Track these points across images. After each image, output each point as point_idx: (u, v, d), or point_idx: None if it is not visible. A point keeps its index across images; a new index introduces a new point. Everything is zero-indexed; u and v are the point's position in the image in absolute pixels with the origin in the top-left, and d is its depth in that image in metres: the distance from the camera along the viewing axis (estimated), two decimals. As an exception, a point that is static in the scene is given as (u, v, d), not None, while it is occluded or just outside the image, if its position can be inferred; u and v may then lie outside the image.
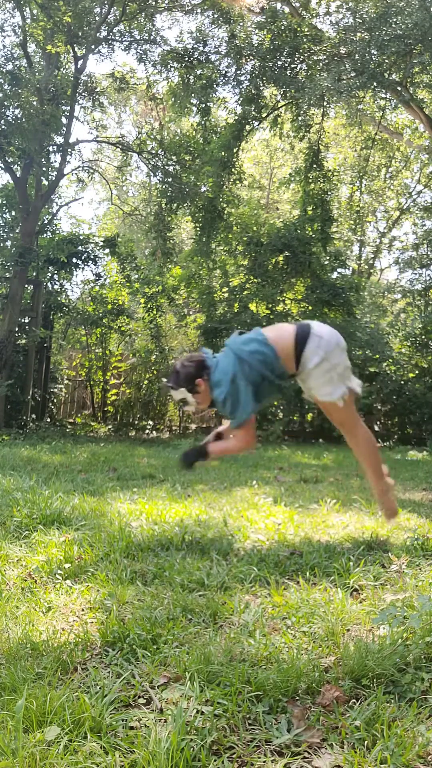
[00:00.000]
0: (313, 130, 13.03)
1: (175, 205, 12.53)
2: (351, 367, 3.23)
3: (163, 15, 12.93)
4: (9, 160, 10.87)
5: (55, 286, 12.84)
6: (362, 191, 18.99)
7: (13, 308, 10.61)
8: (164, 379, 3.30)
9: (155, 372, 12.87)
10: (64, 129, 11.37)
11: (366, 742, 1.43)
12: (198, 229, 12.72)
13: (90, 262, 12.61)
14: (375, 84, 10.04)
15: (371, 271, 21.16)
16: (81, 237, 12.57)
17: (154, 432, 12.57)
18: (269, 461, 7.69)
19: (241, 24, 12.21)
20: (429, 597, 2.03)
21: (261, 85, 12.13)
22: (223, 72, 12.39)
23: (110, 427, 12.54)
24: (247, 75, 12.15)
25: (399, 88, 11.50)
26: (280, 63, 11.71)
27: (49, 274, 12.42)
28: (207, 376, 3.16)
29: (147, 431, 12.39)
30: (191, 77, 12.48)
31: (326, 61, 11.24)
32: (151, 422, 12.96)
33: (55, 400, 13.01)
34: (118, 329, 12.99)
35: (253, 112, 12.48)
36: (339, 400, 3.10)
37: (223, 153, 12.24)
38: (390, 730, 1.44)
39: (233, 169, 12.58)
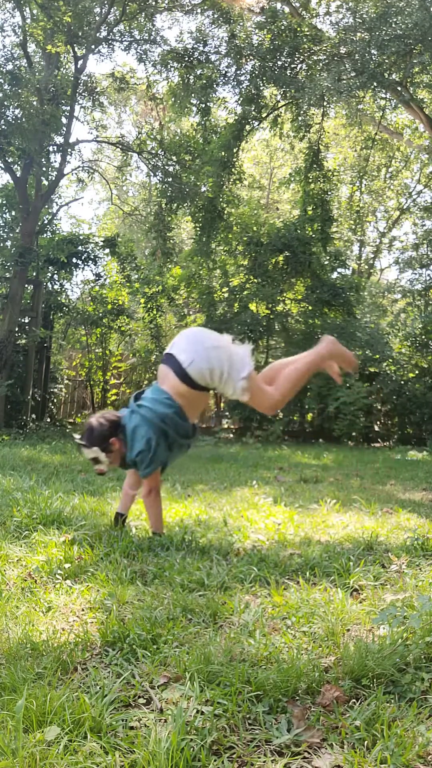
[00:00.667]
0: (313, 130, 13.03)
1: (175, 205, 12.54)
2: (233, 350, 3.16)
3: (163, 15, 12.95)
4: (9, 160, 10.87)
5: (55, 286, 12.85)
6: (362, 191, 18.99)
7: (13, 308, 10.61)
8: (76, 435, 3.23)
9: (155, 372, 12.87)
10: (64, 129, 11.37)
11: (366, 742, 1.43)
12: (198, 229, 12.72)
13: (90, 262, 12.62)
14: (375, 84, 10.04)
15: (371, 271, 21.16)
16: (81, 237, 12.57)
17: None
18: (269, 461, 7.69)
19: (241, 24, 12.21)
20: (429, 597, 2.03)
21: (261, 85, 12.13)
22: (223, 72, 12.40)
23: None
24: (247, 75, 12.15)
25: (399, 88, 11.50)
26: (280, 63, 11.71)
27: (49, 274, 12.42)
28: (121, 435, 3.17)
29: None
30: (191, 77, 12.48)
31: (326, 61, 11.24)
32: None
33: (55, 400, 13.02)
34: (118, 329, 13.00)
35: (253, 112, 12.48)
36: (244, 393, 3.09)
37: (223, 153, 12.24)
38: (390, 730, 1.44)
39: (233, 169, 12.58)
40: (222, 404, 13.67)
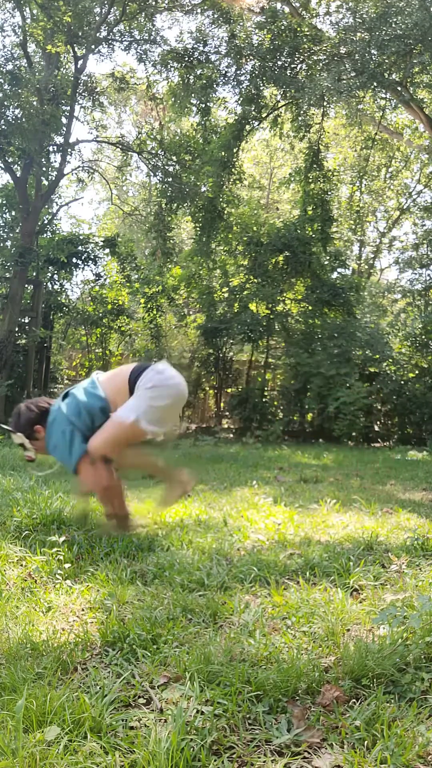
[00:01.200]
0: (313, 130, 13.04)
1: (175, 205, 12.54)
2: (170, 422, 3.19)
3: (163, 15, 12.95)
4: (9, 160, 10.88)
5: (55, 286, 12.85)
6: (362, 191, 18.99)
7: (13, 308, 10.61)
8: (8, 420, 3.16)
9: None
10: (64, 129, 11.38)
11: (366, 742, 1.43)
12: (198, 229, 12.73)
13: (90, 262, 12.62)
14: (375, 84, 10.04)
15: (371, 271, 21.16)
16: (81, 237, 12.58)
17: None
18: (269, 461, 7.69)
19: (241, 24, 12.21)
20: (429, 597, 2.03)
21: (261, 85, 12.13)
22: (223, 72, 12.40)
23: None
24: (247, 75, 12.15)
25: (399, 88, 11.50)
26: (280, 63, 11.70)
27: (49, 274, 12.42)
28: (45, 422, 3.13)
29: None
30: (191, 77, 12.48)
31: (326, 61, 11.24)
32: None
33: (55, 400, 13.02)
34: (118, 329, 13.00)
35: (253, 112, 12.48)
36: (137, 428, 2.94)
37: (223, 153, 12.24)
38: (390, 730, 1.44)
39: (233, 169, 12.58)
40: (222, 404, 13.67)
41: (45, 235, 12.35)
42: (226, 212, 12.82)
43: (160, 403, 3.00)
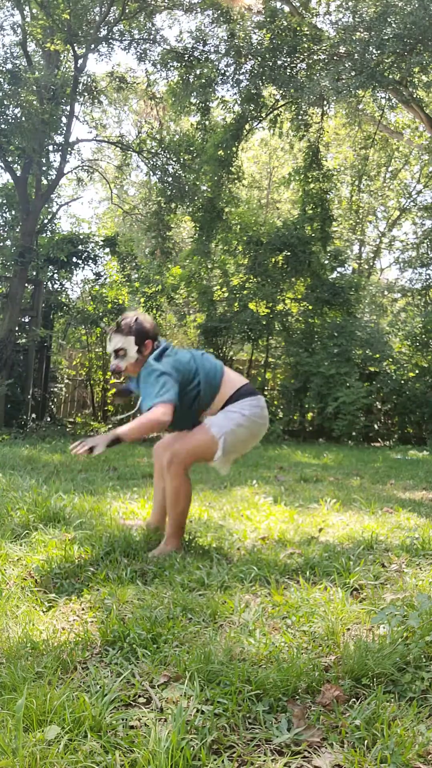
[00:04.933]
0: (312, 130, 13.03)
1: (174, 204, 12.53)
2: (234, 457, 3.06)
3: (163, 14, 12.95)
4: (9, 160, 10.87)
5: (55, 286, 12.85)
6: (362, 191, 18.99)
7: (13, 307, 10.61)
8: (114, 322, 3.17)
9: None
10: (64, 128, 11.37)
11: (366, 741, 1.43)
12: (197, 228, 12.73)
13: (90, 261, 12.61)
14: (374, 83, 10.03)
15: (371, 270, 21.16)
16: (81, 236, 12.57)
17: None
18: (269, 460, 7.69)
19: (240, 23, 12.20)
20: (428, 596, 2.03)
21: (260, 84, 12.13)
22: (223, 71, 12.39)
23: (110, 426, 12.54)
24: (247, 74, 12.15)
25: (399, 88, 11.49)
26: (279, 62, 11.70)
27: (50, 274, 12.42)
28: (156, 346, 2.98)
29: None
30: (191, 76, 12.47)
31: (326, 60, 11.24)
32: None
33: (56, 400, 13.01)
34: (118, 328, 12.99)
35: (253, 112, 12.48)
36: (216, 445, 2.86)
37: (221, 152, 12.24)
38: (390, 730, 1.44)
39: (232, 168, 12.58)
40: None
41: (45, 234, 12.35)
42: (225, 212, 12.81)
43: (244, 435, 2.95)
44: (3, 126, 10.16)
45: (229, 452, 2.93)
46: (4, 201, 12.30)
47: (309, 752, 1.41)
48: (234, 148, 12.55)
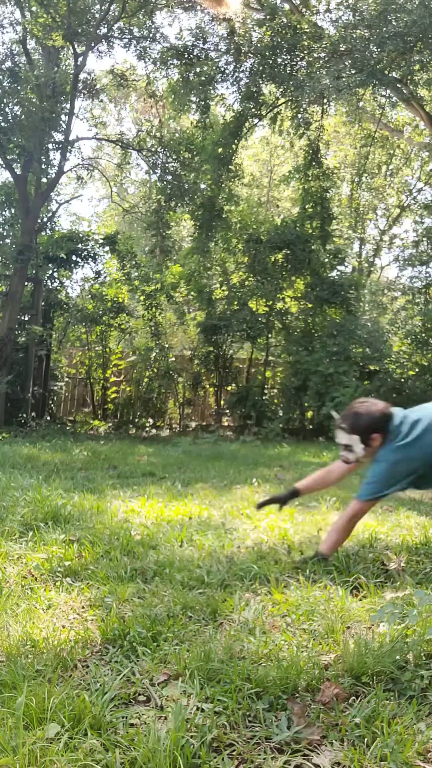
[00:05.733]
0: (312, 128, 13.01)
1: (174, 202, 12.52)
2: None
3: (163, 12, 12.91)
4: (9, 158, 10.85)
5: (55, 284, 12.83)
6: (362, 189, 18.96)
7: (13, 306, 10.60)
8: (337, 415, 3.02)
9: (155, 370, 12.87)
10: (64, 126, 11.35)
11: (366, 739, 1.43)
12: (197, 227, 12.72)
13: (90, 259, 12.60)
14: (375, 81, 10.01)
15: (371, 268, 21.13)
16: (81, 234, 12.56)
17: (154, 430, 12.57)
18: (269, 459, 7.69)
19: (240, 21, 12.17)
20: (425, 593, 2.03)
21: (260, 82, 12.11)
22: (222, 69, 12.37)
23: (110, 424, 12.54)
24: (247, 72, 12.13)
25: (399, 86, 11.47)
26: (279, 60, 11.67)
27: (49, 272, 12.41)
28: (386, 434, 2.82)
29: (147, 429, 12.39)
30: (191, 74, 12.45)
31: (326, 58, 11.21)
32: (151, 420, 12.96)
33: (55, 398, 13.01)
34: (118, 327, 12.98)
35: (252, 110, 12.46)
36: None
37: (220, 150, 12.23)
38: (390, 728, 1.44)
39: (231, 166, 12.56)
40: (222, 402, 13.67)
41: (45, 232, 12.33)
42: (225, 210, 12.80)
43: None
44: (3, 124, 10.15)
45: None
46: (4, 199, 12.28)
47: (309, 750, 1.41)
48: (234, 146, 12.53)
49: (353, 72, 10.03)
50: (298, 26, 11.51)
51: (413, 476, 2.76)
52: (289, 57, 11.68)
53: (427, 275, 16.74)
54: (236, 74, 12.26)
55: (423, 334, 12.76)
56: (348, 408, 2.98)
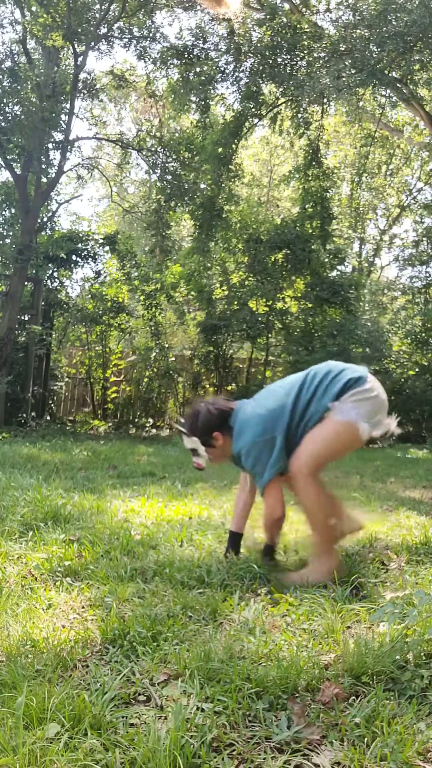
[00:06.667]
0: (312, 128, 13.01)
1: (174, 202, 12.52)
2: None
3: (163, 12, 12.91)
4: (8, 158, 10.85)
5: (55, 284, 12.84)
6: (362, 188, 18.96)
7: (13, 306, 10.60)
8: (180, 420, 2.92)
9: (155, 369, 12.87)
10: (64, 126, 11.35)
11: (366, 739, 1.43)
12: (197, 226, 12.72)
13: (90, 259, 12.60)
14: (375, 81, 10.01)
15: (371, 268, 21.14)
16: (81, 234, 12.56)
17: (154, 429, 12.57)
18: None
19: (240, 21, 12.17)
20: (425, 593, 2.03)
21: (260, 82, 12.11)
22: (222, 69, 12.37)
23: (110, 424, 12.54)
24: (246, 72, 12.13)
25: (399, 86, 11.47)
26: (279, 60, 11.67)
27: (49, 272, 12.41)
28: (228, 431, 2.73)
29: (147, 429, 12.39)
30: (191, 74, 12.45)
31: (326, 58, 11.21)
32: (151, 420, 12.97)
33: (55, 398, 13.01)
34: (117, 327, 12.99)
35: (252, 110, 12.46)
36: (351, 426, 2.60)
37: (220, 149, 12.22)
38: (390, 727, 1.44)
39: (231, 166, 12.56)
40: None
41: (45, 232, 12.34)
42: (225, 210, 12.80)
43: (371, 403, 2.63)
44: (3, 124, 10.15)
45: (372, 417, 2.60)
46: (4, 199, 12.28)
47: (309, 750, 1.41)
48: (234, 146, 12.53)
49: (353, 72, 10.02)
50: (298, 26, 11.51)
51: (277, 444, 2.60)
52: (289, 57, 11.68)
53: (427, 275, 16.74)
54: (236, 74, 12.26)
55: (423, 334, 12.77)
56: (187, 413, 2.90)
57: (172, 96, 12.71)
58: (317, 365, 2.78)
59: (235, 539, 2.89)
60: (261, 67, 11.74)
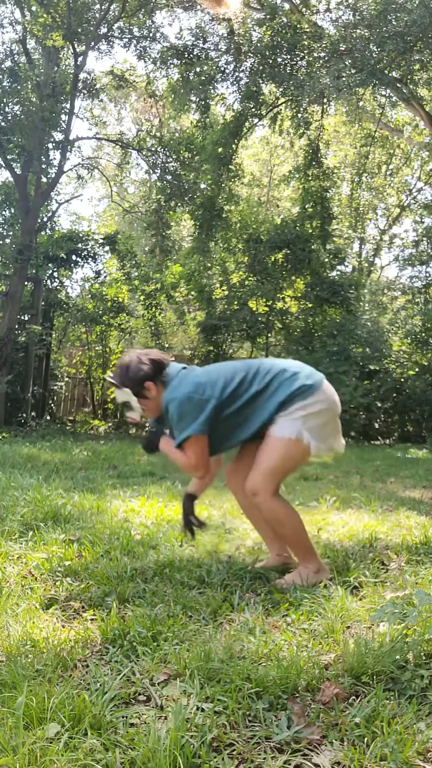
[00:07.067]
0: (312, 128, 13.01)
1: (174, 202, 12.53)
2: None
3: (163, 12, 12.90)
4: (9, 158, 10.86)
5: (55, 284, 12.84)
6: (362, 188, 18.96)
7: (13, 306, 10.60)
8: (109, 373, 3.08)
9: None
10: (64, 126, 11.36)
11: (366, 739, 1.43)
12: (197, 226, 12.73)
13: (90, 259, 12.61)
14: (375, 81, 10.01)
15: (371, 268, 21.14)
16: (81, 234, 12.57)
17: (154, 429, 12.57)
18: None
19: (240, 21, 12.17)
20: (426, 593, 2.03)
21: (260, 81, 12.11)
22: (222, 69, 12.37)
23: (110, 424, 12.55)
24: (246, 72, 12.13)
25: (399, 85, 11.47)
26: (279, 60, 11.67)
27: (49, 272, 12.41)
28: (162, 382, 2.61)
29: (147, 429, 12.39)
30: (191, 74, 12.45)
31: (326, 58, 11.21)
32: (151, 420, 12.97)
33: (55, 398, 13.01)
34: (117, 326, 12.99)
35: (252, 109, 12.46)
36: (300, 444, 2.54)
37: (220, 149, 12.23)
38: (390, 727, 1.44)
39: (231, 166, 12.57)
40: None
41: (45, 232, 12.34)
42: (225, 210, 12.80)
43: (324, 416, 2.60)
44: (3, 123, 10.15)
45: (324, 436, 2.58)
46: (4, 199, 12.28)
47: (309, 750, 1.41)
48: (234, 146, 12.53)
49: (353, 71, 10.02)
50: (298, 26, 11.51)
51: (208, 407, 2.51)
52: (289, 57, 11.68)
53: (427, 275, 16.74)
54: (236, 74, 12.26)
55: (423, 334, 12.77)
56: (116, 365, 2.75)
57: (172, 96, 12.71)
58: (269, 360, 2.72)
59: (189, 497, 2.81)
60: (261, 67, 11.74)
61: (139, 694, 1.63)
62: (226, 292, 13.19)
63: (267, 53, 11.59)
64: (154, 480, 5.37)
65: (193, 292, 13.34)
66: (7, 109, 10.28)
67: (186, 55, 12.34)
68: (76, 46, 11.07)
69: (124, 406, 2.70)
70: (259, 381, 2.59)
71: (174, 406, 2.54)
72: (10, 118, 10.24)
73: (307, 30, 11.51)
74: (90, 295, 12.95)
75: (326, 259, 13.43)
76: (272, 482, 2.53)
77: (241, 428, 2.62)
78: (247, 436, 2.62)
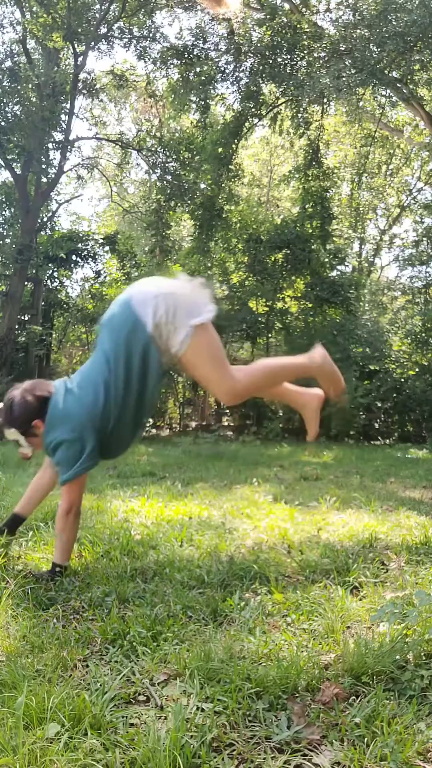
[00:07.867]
0: (312, 128, 13.02)
1: (174, 202, 12.54)
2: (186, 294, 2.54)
3: (163, 12, 12.91)
4: (9, 158, 10.86)
5: (55, 284, 12.84)
6: (362, 188, 18.96)
7: (13, 306, 10.61)
8: None
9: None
10: (64, 126, 11.36)
11: (366, 739, 1.43)
12: (197, 226, 12.73)
13: (90, 259, 12.61)
14: (375, 81, 10.02)
15: (371, 268, 21.14)
16: (81, 234, 12.57)
17: (154, 429, 12.58)
18: (269, 459, 7.69)
19: (240, 21, 12.18)
20: (426, 593, 2.03)
21: (260, 82, 12.11)
22: (222, 69, 12.37)
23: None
24: (247, 72, 12.13)
25: (399, 85, 11.48)
26: (279, 60, 11.68)
27: (49, 272, 12.41)
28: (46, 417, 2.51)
29: (147, 429, 12.40)
30: (191, 74, 12.45)
31: (326, 58, 11.21)
32: (151, 420, 12.97)
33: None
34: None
35: (252, 110, 12.46)
36: (190, 349, 2.44)
37: (220, 149, 12.23)
38: (390, 727, 1.44)
39: (231, 166, 12.57)
40: (222, 402, 13.70)
41: (45, 232, 12.35)
42: (225, 210, 12.81)
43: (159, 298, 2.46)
44: (3, 123, 10.16)
45: (190, 304, 2.46)
46: (4, 199, 12.29)
47: (309, 750, 1.41)
48: (234, 146, 12.54)
49: (353, 71, 10.03)
50: (298, 26, 11.52)
51: (87, 448, 2.44)
52: (289, 57, 11.69)
53: (427, 275, 16.75)
54: (236, 74, 12.27)
55: (423, 334, 12.77)
56: (5, 400, 2.65)
57: (172, 96, 12.72)
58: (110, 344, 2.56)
59: (15, 521, 2.80)
60: (261, 67, 11.75)
61: (139, 694, 1.63)
62: (226, 292, 13.19)
63: (267, 53, 11.60)
64: (154, 480, 5.37)
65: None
66: (7, 109, 10.29)
67: (186, 55, 12.34)
68: (76, 46, 11.08)
69: (16, 444, 2.63)
70: (117, 371, 2.45)
71: (51, 450, 2.50)
72: (10, 118, 10.25)
73: (307, 30, 11.51)
74: (90, 295, 12.95)
75: (326, 259, 13.44)
76: (226, 373, 2.43)
77: (139, 419, 2.55)
78: (148, 416, 2.52)
